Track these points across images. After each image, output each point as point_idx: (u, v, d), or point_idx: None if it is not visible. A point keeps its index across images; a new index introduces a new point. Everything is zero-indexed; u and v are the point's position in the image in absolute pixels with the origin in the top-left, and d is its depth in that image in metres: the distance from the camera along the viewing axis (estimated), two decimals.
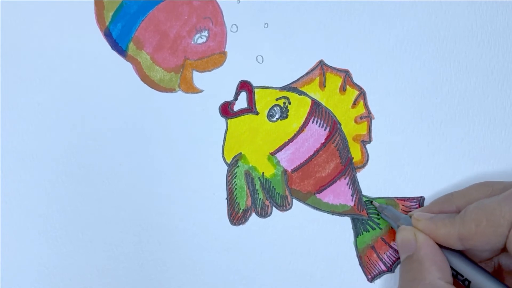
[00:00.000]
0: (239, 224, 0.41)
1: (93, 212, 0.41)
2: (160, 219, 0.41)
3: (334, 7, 0.43)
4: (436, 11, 0.42)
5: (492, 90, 0.42)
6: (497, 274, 0.37)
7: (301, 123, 0.42)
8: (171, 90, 0.42)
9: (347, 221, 0.41)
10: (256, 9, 0.43)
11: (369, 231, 0.41)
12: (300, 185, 0.41)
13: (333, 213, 0.41)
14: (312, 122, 0.42)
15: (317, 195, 0.41)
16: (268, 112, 0.42)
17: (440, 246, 0.36)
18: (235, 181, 0.41)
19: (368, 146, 0.42)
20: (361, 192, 0.41)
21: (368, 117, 0.42)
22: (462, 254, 0.36)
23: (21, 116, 0.42)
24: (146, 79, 0.42)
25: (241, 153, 0.42)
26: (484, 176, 0.41)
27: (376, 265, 0.41)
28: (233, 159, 0.42)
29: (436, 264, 0.35)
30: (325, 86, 0.42)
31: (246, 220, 0.41)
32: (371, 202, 0.41)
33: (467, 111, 0.42)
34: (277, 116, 0.42)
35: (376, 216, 0.41)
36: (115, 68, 0.42)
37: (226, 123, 0.42)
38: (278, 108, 0.42)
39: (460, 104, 0.42)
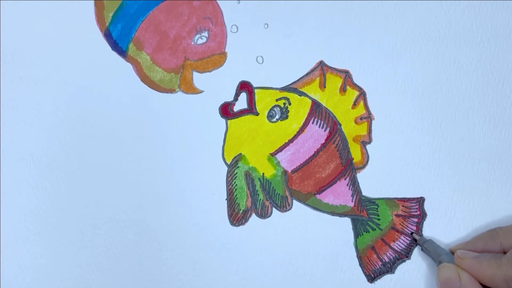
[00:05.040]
0: (239, 225, 0.41)
1: (93, 212, 0.41)
2: (160, 219, 0.41)
3: (334, 7, 0.43)
4: (436, 11, 0.42)
5: (492, 90, 0.42)
6: None
7: (301, 124, 0.42)
8: (171, 91, 0.42)
9: (347, 222, 0.41)
10: (256, 9, 0.43)
11: (369, 232, 0.41)
12: (300, 185, 0.41)
13: (333, 213, 0.41)
14: (312, 123, 0.42)
15: (317, 196, 0.41)
16: (268, 113, 0.42)
17: (484, 286, 0.36)
18: (235, 182, 0.41)
19: (368, 146, 0.42)
20: (361, 192, 0.41)
21: (368, 117, 0.42)
22: None
23: (21, 116, 0.42)
24: (146, 80, 0.42)
25: (241, 153, 0.42)
26: (484, 176, 0.41)
27: (376, 265, 0.41)
28: (233, 159, 0.42)
29: None
30: (325, 87, 0.42)
31: (246, 220, 0.41)
32: (412, 234, 0.41)
33: (467, 111, 0.42)
34: (277, 117, 0.42)
35: (376, 216, 0.41)
36: (115, 69, 0.42)
37: (226, 123, 0.42)
38: (278, 108, 0.42)
39: (460, 104, 0.42)
